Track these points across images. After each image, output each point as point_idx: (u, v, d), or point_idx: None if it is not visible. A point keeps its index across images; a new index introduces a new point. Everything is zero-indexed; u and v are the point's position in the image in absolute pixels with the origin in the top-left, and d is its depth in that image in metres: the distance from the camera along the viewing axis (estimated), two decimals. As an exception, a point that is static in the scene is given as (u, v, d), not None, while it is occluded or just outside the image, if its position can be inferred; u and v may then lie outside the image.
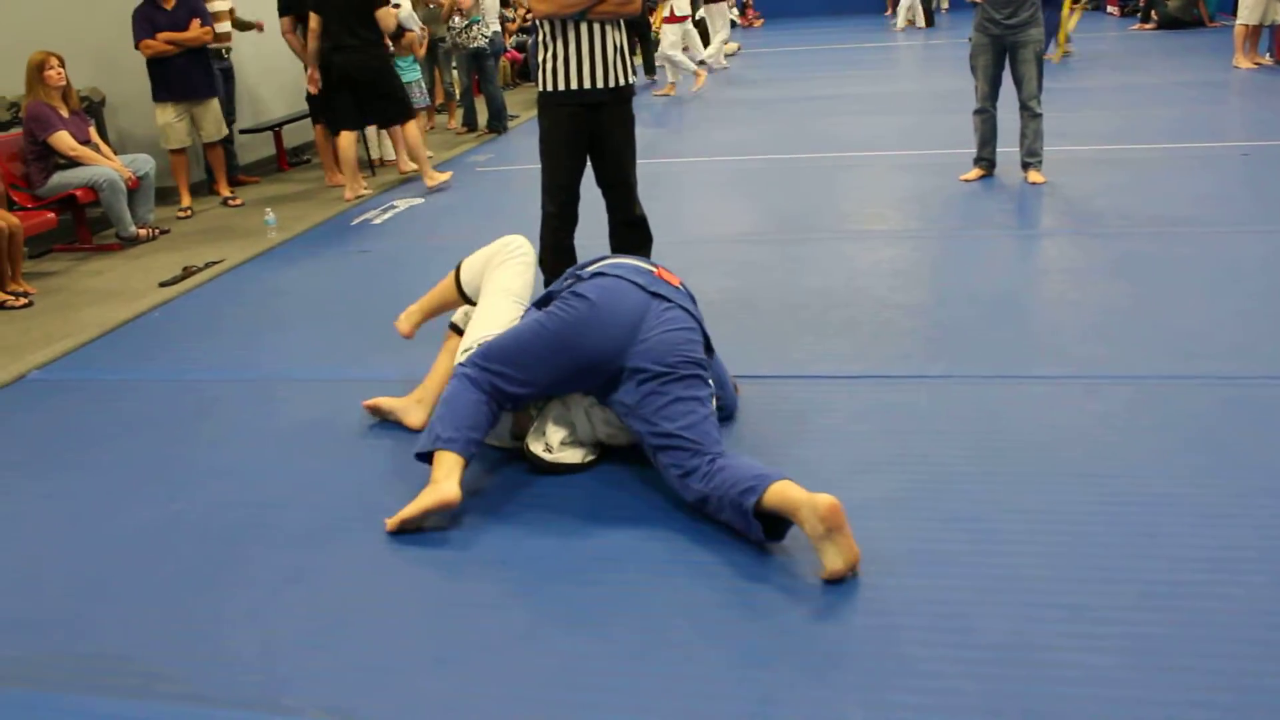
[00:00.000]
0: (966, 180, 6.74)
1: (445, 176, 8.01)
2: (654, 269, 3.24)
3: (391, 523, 2.94)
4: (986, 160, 6.76)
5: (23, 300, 5.64)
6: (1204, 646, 2.26)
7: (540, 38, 4.36)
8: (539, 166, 4.47)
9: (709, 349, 3.24)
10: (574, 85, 4.31)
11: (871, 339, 4.18)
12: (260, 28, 8.76)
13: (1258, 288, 4.42)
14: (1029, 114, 6.41)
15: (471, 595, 2.65)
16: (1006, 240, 5.53)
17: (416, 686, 2.32)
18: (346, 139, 7.69)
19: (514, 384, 3.05)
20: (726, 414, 3.45)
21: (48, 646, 2.57)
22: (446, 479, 2.95)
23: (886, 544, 2.72)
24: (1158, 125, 8.28)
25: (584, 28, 4.26)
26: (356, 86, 7.47)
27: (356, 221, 7.02)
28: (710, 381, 3.08)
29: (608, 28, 4.30)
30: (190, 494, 3.32)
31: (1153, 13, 15.85)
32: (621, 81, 4.38)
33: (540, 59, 4.38)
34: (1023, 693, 2.16)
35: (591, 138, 4.43)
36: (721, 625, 2.46)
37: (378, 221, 6.98)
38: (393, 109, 7.77)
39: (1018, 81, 6.38)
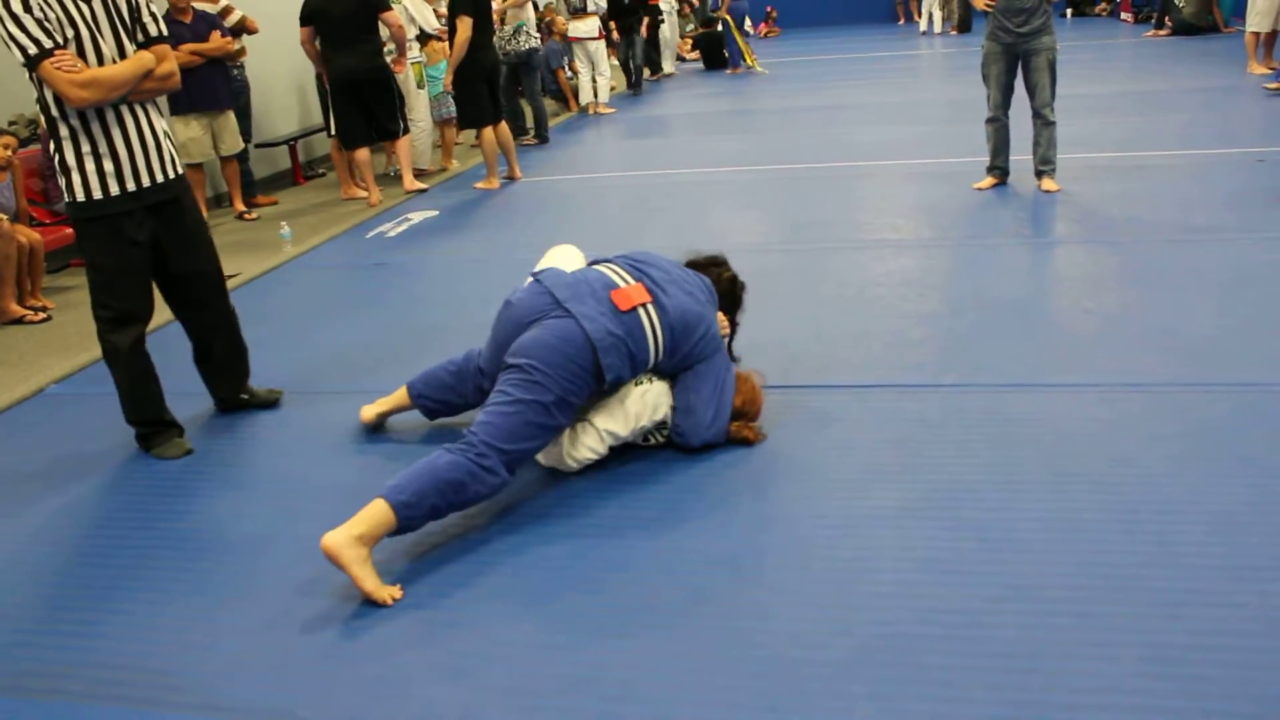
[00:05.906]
0: (980, 189, 6.73)
1: (422, 185, 8.50)
2: (614, 289, 3.20)
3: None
4: (1000, 169, 6.75)
5: (41, 315, 5.69)
6: (1219, 655, 2.26)
7: (58, 138, 3.44)
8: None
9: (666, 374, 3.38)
10: (130, 186, 3.51)
11: (884, 348, 4.18)
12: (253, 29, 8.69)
13: (1273, 295, 4.39)
14: (1042, 122, 6.40)
15: (484, 606, 2.66)
16: (1020, 249, 5.52)
17: (431, 697, 2.33)
18: (363, 152, 7.97)
19: (484, 360, 3.49)
20: (684, 442, 3.35)
21: (66, 657, 2.60)
22: (373, 405, 3.78)
23: (899, 552, 2.73)
24: (1171, 132, 8.26)
25: (130, 113, 3.51)
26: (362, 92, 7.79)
27: (371, 235, 7.04)
28: (559, 399, 3.02)
29: (149, 108, 3.59)
30: (206, 505, 3.35)
31: (1166, 19, 15.80)
32: (181, 169, 3.71)
33: (65, 164, 3.45)
34: (1037, 701, 2.16)
35: (161, 248, 3.67)
36: (734, 634, 2.47)
37: (392, 234, 7.00)
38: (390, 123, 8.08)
39: (1031, 90, 6.37)
